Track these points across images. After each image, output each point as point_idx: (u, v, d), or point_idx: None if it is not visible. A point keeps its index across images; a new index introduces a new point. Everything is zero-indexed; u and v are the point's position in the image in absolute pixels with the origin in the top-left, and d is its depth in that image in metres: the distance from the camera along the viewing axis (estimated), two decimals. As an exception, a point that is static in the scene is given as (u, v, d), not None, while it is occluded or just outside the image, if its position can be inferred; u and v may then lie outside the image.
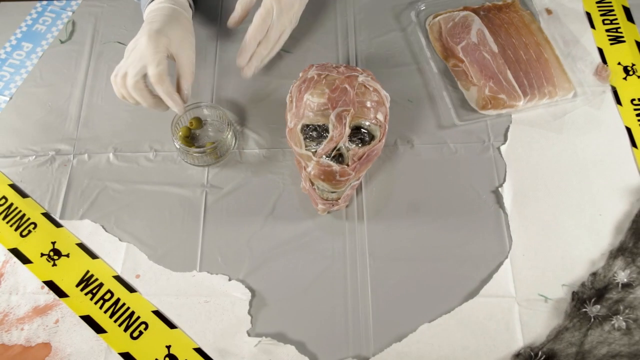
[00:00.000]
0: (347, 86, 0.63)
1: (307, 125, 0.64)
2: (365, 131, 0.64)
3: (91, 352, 0.62)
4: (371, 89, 0.65)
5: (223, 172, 0.73)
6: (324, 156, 0.63)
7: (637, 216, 0.67)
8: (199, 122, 0.75)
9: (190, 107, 0.73)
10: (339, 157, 0.63)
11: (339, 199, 0.66)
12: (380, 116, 0.64)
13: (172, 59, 0.66)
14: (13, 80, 0.81)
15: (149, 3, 0.70)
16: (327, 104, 0.63)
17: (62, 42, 0.85)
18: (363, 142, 0.64)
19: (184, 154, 0.72)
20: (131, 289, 0.66)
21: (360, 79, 0.65)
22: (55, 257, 0.68)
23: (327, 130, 0.63)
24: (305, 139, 0.64)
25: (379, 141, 0.64)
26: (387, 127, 0.66)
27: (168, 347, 0.63)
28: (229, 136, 0.72)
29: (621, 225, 0.67)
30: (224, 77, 0.80)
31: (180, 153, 0.73)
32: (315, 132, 0.64)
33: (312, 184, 0.66)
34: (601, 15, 0.83)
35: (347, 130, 0.62)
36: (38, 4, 0.88)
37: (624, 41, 0.80)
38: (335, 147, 0.62)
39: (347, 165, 0.63)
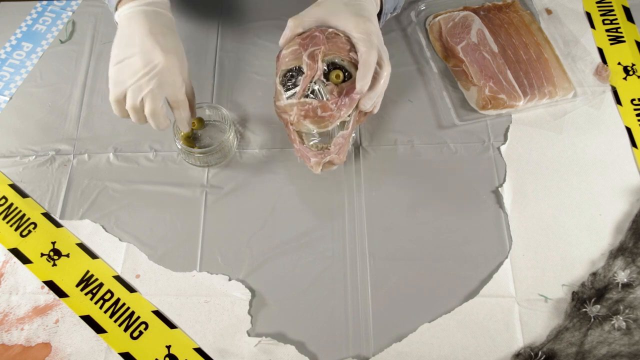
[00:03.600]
0: (317, 33, 0.64)
1: (285, 75, 0.64)
2: (340, 68, 0.63)
3: (91, 352, 0.62)
4: (342, 35, 0.64)
5: (223, 172, 0.73)
6: (304, 98, 0.62)
7: (637, 216, 0.67)
8: (201, 122, 0.75)
9: None
10: (319, 95, 0.62)
11: (329, 146, 0.65)
12: (354, 55, 0.63)
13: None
14: (13, 80, 0.82)
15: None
16: (299, 49, 0.63)
17: (62, 42, 0.85)
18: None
19: (186, 154, 0.72)
20: (131, 289, 0.66)
21: (330, 29, 0.64)
22: (55, 257, 0.68)
23: (303, 73, 0.63)
24: (285, 90, 0.64)
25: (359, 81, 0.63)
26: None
27: (168, 347, 0.63)
28: (231, 136, 0.72)
29: (621, 225, 0.67)
30: (223, 77, 0.80)
31: (182, 154, 0.73)
32: (292, 80, 0.63)
33: (301, 138, 0.65)
34: (601, 15, 0.83)
35: (321, 65, 0.62)
36: (38, 4, 0.88)
37: (624, 41, 0.80)
38: (312, 82, 0.62)
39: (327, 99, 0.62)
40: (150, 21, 0.62)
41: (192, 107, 0.67)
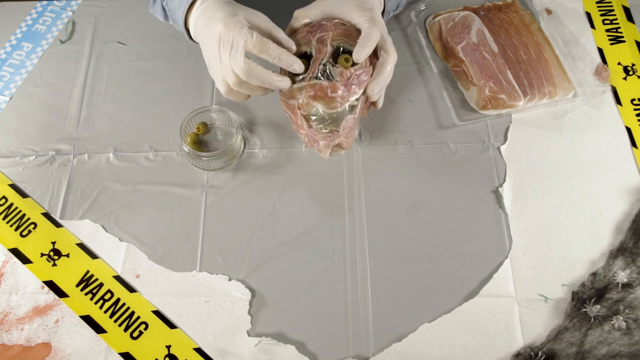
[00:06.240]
0: (324, 22, 0.65)
1: None
2: (349, 52, 0.63)
3: (91, 352, 0.62)
4: (348, 24, 0.65)
5: (223, 172, 0.73)
6: (313, 79, 0.62)
7: (637, 216, 0.67)
8: (205, 126, 0.75)
9: (197, 111, 0.73)
10: (328, 78, 0.62)
11: (338, 129, 0.64)
12: None
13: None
14: (13, 80, 0.82)
15: (188, 7, 0.64)
16: (307, 36, 0.64)
17: (62, 42, 0.85)
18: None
19: (193, 158, 0.72)
20: (131, 289, 0.66)
21: (337, 20, 0.65)
22: (55, 257, 0.68)
23: (311, 58, 0.63)
24: (293, 75, 0.63)
25: (366, 66, 0.63)
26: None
27: (168, 347, 0.63)
28: (239, 140, 0.72)
29: (621, 225, 0.67)
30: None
31: (189, 158, 0.73)
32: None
33: (308, 122, 0.65)
34: (601, 15, 0.83)
35: (330, 48, 0.62)
36: (38, 4, 0.88)
37: (624, 41, 0.80)
38: (321, 63, 0.62)
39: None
40: (206, 12, 0.62)
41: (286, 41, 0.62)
